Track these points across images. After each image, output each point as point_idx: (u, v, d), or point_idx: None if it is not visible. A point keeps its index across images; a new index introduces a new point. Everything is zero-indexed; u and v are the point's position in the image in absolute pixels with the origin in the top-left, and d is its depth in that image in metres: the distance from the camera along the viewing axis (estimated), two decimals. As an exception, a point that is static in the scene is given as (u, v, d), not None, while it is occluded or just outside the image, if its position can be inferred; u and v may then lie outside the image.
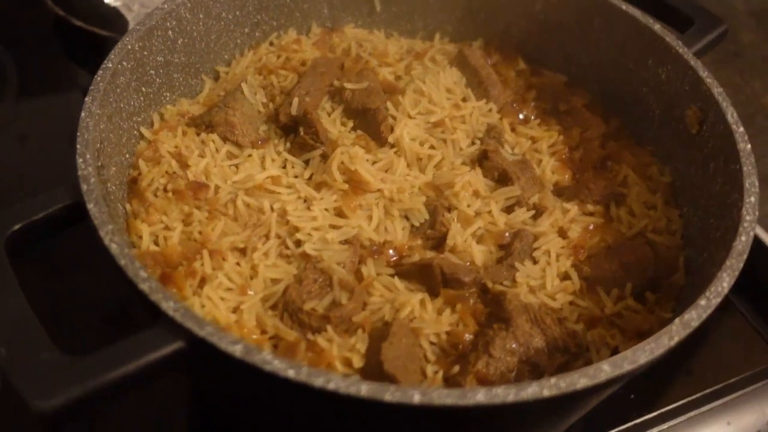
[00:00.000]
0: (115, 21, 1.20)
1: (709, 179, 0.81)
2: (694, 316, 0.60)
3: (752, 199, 0.71)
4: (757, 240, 1.01)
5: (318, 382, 0.53)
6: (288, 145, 0.88)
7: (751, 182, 0.72)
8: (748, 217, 0.69)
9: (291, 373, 0.53)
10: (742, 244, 0.66)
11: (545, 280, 0.77)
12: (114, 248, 0.61)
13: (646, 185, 0.89)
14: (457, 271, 0.76)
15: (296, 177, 0.85)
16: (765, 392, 0.95)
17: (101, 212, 0.63)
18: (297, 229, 0.78)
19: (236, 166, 0.85)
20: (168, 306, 0.57)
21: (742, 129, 0.78)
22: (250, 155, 0.86)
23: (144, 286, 0.58)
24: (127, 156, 0.83)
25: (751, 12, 1.27)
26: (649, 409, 0.90)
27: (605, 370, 0.56)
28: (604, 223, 0.85)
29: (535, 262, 0.80)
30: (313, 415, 0.62)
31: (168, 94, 0.92)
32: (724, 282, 0.63)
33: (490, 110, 0.97)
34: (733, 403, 0.93)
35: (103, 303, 0.87)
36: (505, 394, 0.53)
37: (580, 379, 0.55)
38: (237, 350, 0.54)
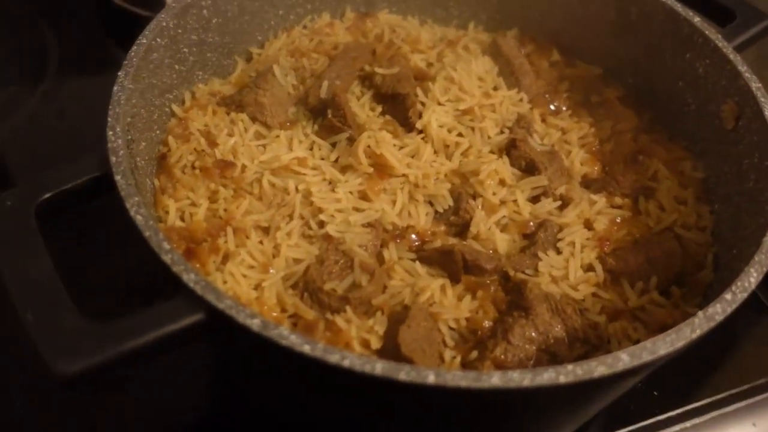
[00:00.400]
0: (155, 1, 1.21)
1: (742, 176, 0.79)
2: (718, 310, 0.59)
3: (786, 196, 0.69)
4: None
5: (333, 358, 0.53)
6: (316, 127, 0.89)
7: (786, 179, 0.70)
8: (780, 215, 0.67)
9: (306, 348, 0.54)
10: (772, 240, 0.65)
11: (568, 271, 0.76)
12: (139, 220, 0.62)
13: (678, 180, 0.88)
14: (479, 258, 0.76)
15: (322, 159, 0.85)
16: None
17: (128, 184, 0.65)
18: (320, 211, 0.79)
19: (264, 146, 0.86)
20: (189, 278, 0.58)
21: (779, 125, 0.76)
22: (277, 136, 0.87)
23: (167, 258, 0.59)
24: (158, 132, 0.84)
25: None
26: (672, 407, 0.89)
27: (623, 359, 0.55)
28: (631, 216, 0.84)
29: (558, 252, 0.79)
30: (326, 393, 0.63)
31: (200, 73, 0.93)
32: (751, 277, 0.62)
33: (521, 100, 0.96)
34: (759, 404, 0.91)
35: (128, 273, 0.89)
36: (520, 379, 0.53)
37: (597, 367, 0.54)
38: (254, 324, 0.55)
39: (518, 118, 0.93)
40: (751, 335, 0.99)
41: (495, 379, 0.53)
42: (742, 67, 0.82)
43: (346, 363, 0.53)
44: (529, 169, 0.86)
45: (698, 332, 0.58)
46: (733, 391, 0.92)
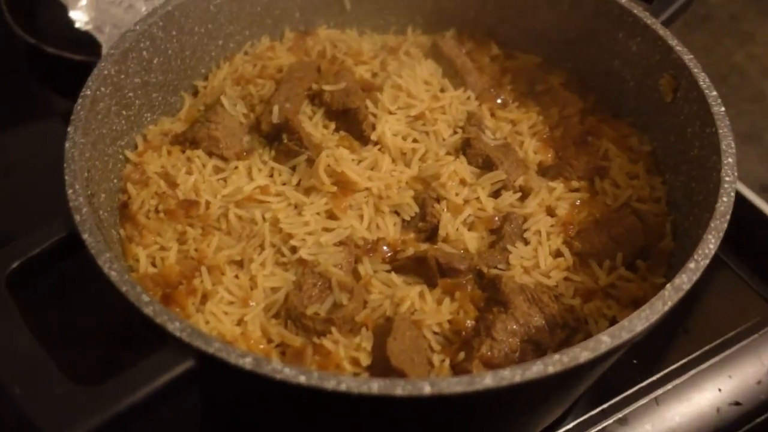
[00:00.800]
0: (89, 45, 1.19)
1: (687, 144, 0.83)
2: (684, 280, 0.62)
3: (730, 160, 0.72)
4: (740, 196, 1.04)
5: (330, 384, 0.54)
6: (273, 153, 0.89)
7: (727, 143, 0.74)
8: (727, 178, 0.71)
9: (302, 379, 0.55)
10: (724, 205, 0.68)
11: (538, 260, 0.79)
12: (114, 276, 0.62)
13: (627, 156, 0.91)
14: (451, 260, 0.77)
15: (284, 184, 0.86)
16: (761, 343, 0.97)
17: (97, 241, 0.64)
18: (291, 236, 0.79)
19: (224, 179, 0.86)
20: (174, 327, 0.58)
21: (714, 93, 0.79)
22: (236, 167, 0.87)
23: (148, 310, 0.59)
24: (115, 181, 0.84)
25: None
26: (652, 372, 0.92)
27: (605, 341, 0.58)
28: (589, 197, 0.87)
29: (526, 243, 0.81)
30: (327, 417, 0.64)
31: (148, 115, 0.92)
32: (710, 244, 0.65)
33: (469, 98, 0.98)
34: (732, 356, 0.95)
35: (106, 328, 0.88)
36: (511, 376, 0.55)
37: (582, 353, 0.57)
38: (247, 363, 0.56)
39: (468, 116, 0.95)
40: (714, 292, 1.03)
41: (488, 380, 0.55)
42: (673, 41, 0.86)
43: (342, 387, 0.54)
44: (486, 165, 0.88)
45: (669, 304, 0.61)
46: (706, 348, 0.96)
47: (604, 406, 0.89)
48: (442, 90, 0.98)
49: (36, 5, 1.35)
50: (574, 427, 0.87)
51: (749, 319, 0.99)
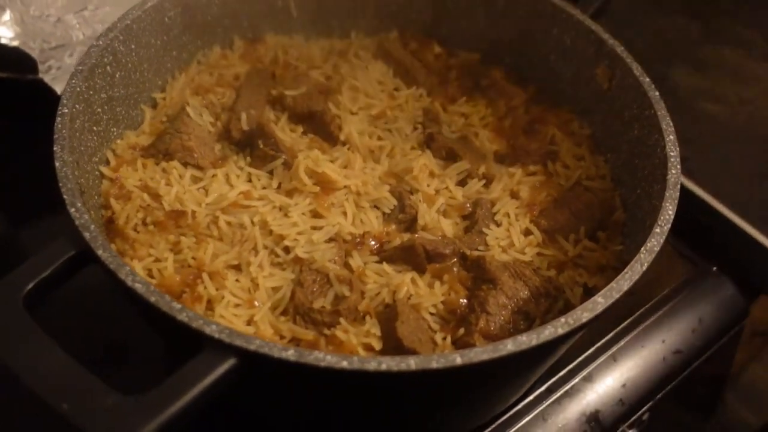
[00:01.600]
0: (24, 60, 1.14)
1: (626, 126, 0.93)
2: (655, 243, 0.72)
3: (671, 137, 0.83)
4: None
5: (371, 366, 0.59)
6: (248, 159, 0.92)
7: (666, 123, 0.84)
8: (672, 153, 0.81)
9: (345, 364, 0.59)
10: (674, 176, 0.79)
11: (512, 239, 0.87)
12: (139, 288, 0.63)
13: (572, 140, 1.01)
14: (437, 246, 0.83)
15: (264, 188, 0.88)
16: (691, 297, 1.10)
17: (113, 256, 0.65)
18: (282, 237, 0.82)
19: (204, 188, 0.87)
20: (212, 330, 0.60)
21: (648, 79, 0.90)
22: (214, 175, 0.89)
23: (183, 317, 0.61)
24: (96, 198, 0.83)
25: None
26: (607, 332, 1.03)
27: (600, 302, 0.66)
28: (545, 179, 0.95)
29: (498, 225, 0.89)
30: (360, 399, 0.68)
31: (114, 129, 0.92)
32: (669, 210, 0.75)
33: (422, 95, 1.05)
34: (669, 311, 1.08)
35: (122, 334, 0.88)
36: (529, 340, 0.62)
37: (583, 314, 0.65)
38: (291, 355, 0.59)
39: (425, 112, 1.02)
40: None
41: (510, 346, 0.62)
42: (605, 35, 0.96)
43: (383, 367, 0.59)
44: (449, 156, 0.95)
45: (646, 265, 0.70)
46: (647, 306, 1.08)
47: (571, 366, 0.98)
48: (396, 89, 1.04)
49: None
50: (545, 389, 0.96)
51: (679, 278, 1.12)
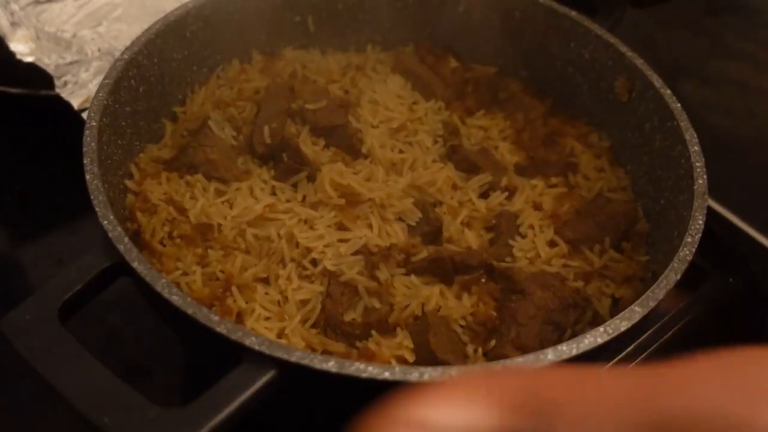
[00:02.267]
0: (40, 76, 1.12)
1: (647, 138, 0.94)
2: (687, 252, 0.72)
3: (696, 148, 0.84)
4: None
5: (413, 377, 0.59)
6: (272, 172, 0.92)
7: (690, 134, 0.85)
8: (698, 163, 0.82)
9: (387, 375, 0.59)
10: (701, 186, 0.79)
11: (538, 250, 0.87)
12: (176, 300, 0.62)
13: (591, 152, 1.01)
14: (464, 258, 0.83)
15: (289, 201, 0.88)
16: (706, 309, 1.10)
17: (148, 269, 0.65)
18: (309, 250, 0.82)
19: (229, 201, 0.87)
20: (252, 341, 0.60)
21: (669, 91, 0.91)
22: (238, 188, 0.89)
23: (222, 329, 0.60)
24: (122, 211, 0.83)
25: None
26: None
27: (638, 311, 0.66)
28: (567, 191, 0.96)
29: (523, 236, 0.89)
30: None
31: (137, 143, 0.92)
32: (698, 220, 0.75)
33: (440, 108, 1.05)
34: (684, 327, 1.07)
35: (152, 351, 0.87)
36: (569, 350, 0.62)
37: (621, 323, 0.65)
38: (331, 366, 0.59)
39: (444, 125, 1.02)
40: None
41: (550, 356, 0.61)
42: (624, 48, 0.97)
43: (426, 377, 0.59)
44: (471, 169, 0.95)
45: (679, 275, 0.70)
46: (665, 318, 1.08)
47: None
48: (415, 102, 1.05)
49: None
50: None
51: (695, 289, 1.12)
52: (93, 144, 0.76)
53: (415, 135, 0.99)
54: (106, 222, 0.68)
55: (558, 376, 0.36)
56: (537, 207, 0.93)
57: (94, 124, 0.78)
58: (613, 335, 0.64)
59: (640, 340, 1.03)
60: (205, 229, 0.82)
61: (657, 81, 0.92)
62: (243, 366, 0.60)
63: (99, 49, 1.18)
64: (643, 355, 1.01)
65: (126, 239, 0.66)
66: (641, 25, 1.13)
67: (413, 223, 0.88)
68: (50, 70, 1.14)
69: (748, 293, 1.15)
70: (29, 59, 1.15)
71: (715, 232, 1.18)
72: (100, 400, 0.56)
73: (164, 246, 0.81)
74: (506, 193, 0.94)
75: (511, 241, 0.87)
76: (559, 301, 0.80)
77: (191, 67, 1.01)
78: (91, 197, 0.70)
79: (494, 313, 0.79)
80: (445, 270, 0.83)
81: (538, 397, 0.34)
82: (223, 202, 0.87)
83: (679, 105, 0.89)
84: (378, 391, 0.59)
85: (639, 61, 0.95)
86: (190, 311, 0.62)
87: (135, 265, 0.64)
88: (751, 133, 1.27)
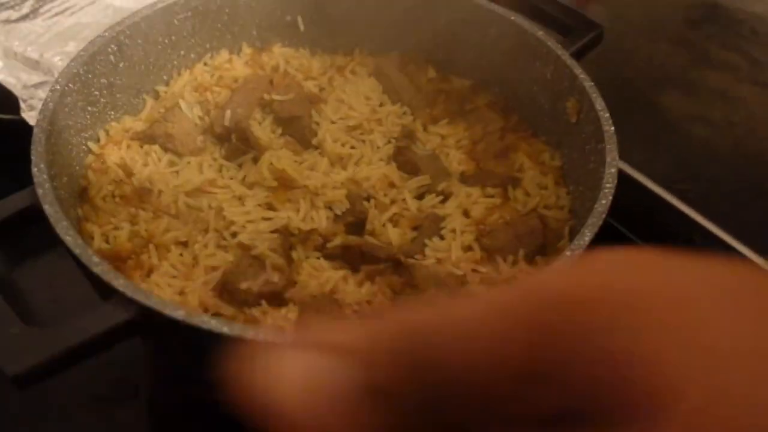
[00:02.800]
0: (5, 98, 1.10)
1: (585, 159, 0.95)
2: (561, 264, 0.73)
3: (612, 170, 0.84)
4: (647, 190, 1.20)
5: (248, 334, 0.64)
6: (223, 151, 0.99)
7: (612, 157, 0.86)
8: (608, 185, 0.83)
9: (225, 330, 0.64)
10: (602, 206, 0.80)
11: (450, 252, 0.90)
12: (69, 240, 0.71)
13: (539, 169, 1.03)
14: (373, 249, 0.88)
15: (231, 179, 0.96)
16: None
17: (56, 212, 0.73)
18: (232, 223, 0.89)
19: (177, 172, 0.96)
20: (119, 283, 0.67)
21: (607, 115, 0.92)
22: (189, 162, 0.97)
23: (97, 269, 0.68)
24: (77, 168, 0.93)
25: None
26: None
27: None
28: (502, 202, 0.98)
29: (442, 238, 0.92)
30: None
31: (112, 113, 1.02)
32: (585, 237, 0.76)
33: (405, 113, 1.10)
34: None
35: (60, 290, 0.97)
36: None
37: (465, 319, 0.67)
38: (179, 314, 0.65)
39: (402, 129, 1.07)
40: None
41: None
42: (577, 70, 0.99)
43: (260, 336, 0.64)
44: (413, 171, 1.00)
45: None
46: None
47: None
48: (381, 105, 1.10)
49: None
50: None
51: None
52: (51, 104, 0.86)
53: (369, 134, 1.04)
54: (35, 169, 0.77)
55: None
56: (466, 214, 0.96)
57: (58, 87, 0.88)
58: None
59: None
60: (144, 193, 0.91)
61: (599, 104, 0.93)
62: (108, 304, 0.67)
63: (66, 66, 1.07)
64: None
65: (47, 185, 0.76)
66: (624, 37, 1.13)
67: (339, 213, 0.94)
68: (16, 90, 1.12)
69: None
70: None
71: (695, 241, 1.18)
72: (-20, 314, 0.65)
73: (105, 203, 0.90)
74: (441, 197, 0.97)
75: (426, 240, 0.90)
76: (450, 301, 0.83)
77: (178, 52, 1.11)
78: (32, 146, 0.79)
79: (385, 303, 0.83)
80: (353, 258, 0.87)
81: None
82: (171, 173, 0.95)
83: (612, 128, 0.90)
84: (218, 344, 0.65)
85: (588, 84, 0.97)
86: (76, 251, 0.70)
87: (46, 207, 0.73)
88: (731, 142, 1.24)
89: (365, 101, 1.09)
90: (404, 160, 1.01)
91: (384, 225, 0.93)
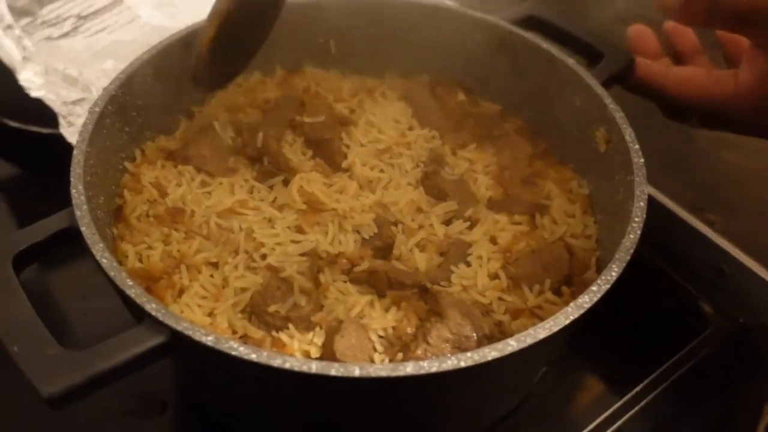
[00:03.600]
0: (45, 113, 1.14)
1: (614, 189, 0.94)
2: (587, 300, 0.73)
3: (641, 203, 0.84)
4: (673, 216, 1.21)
5: (276, 362, 0.65)
6: (254, 173, 1.01)
7: (641, 190, 0.86)
8: (636, 219, 0.82)
9: (253, 357, 0.65)
10: (630, 241, 0.80)
11: (476, 280, 0.90)
12: (104, 262, 0.73)
13: (567, 197, 1.03)
14: (399, 275, 0.88)
15: (261, 201, 0.97)
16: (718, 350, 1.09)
17: (93, 233, 0.75)
18: (262, 245, 0.90)
19: (209, 192, 0.98)
20: (151, 307, 0.69)
21: (637, 146, 0.92)
22: (221, 183, 0.99)
23: (131, 292, 0.70)
24: (113, 187, 0.95)
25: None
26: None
27: (512, 344, 0.69)
28: (529, 230, 0.98)
29: (468, 265, 0.92)
30: (275, 396, 0.74)
31: (148, 132, 1.04)
32: (613, 271, 0.76)
33: (434, 137, 1.11)
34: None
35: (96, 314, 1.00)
36: (429, 366, 0.66)
37: (490, 353, 0.68)
38: (209, 340, 0.66)
39: (431, 153, 1.08)
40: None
41: (409, 368, 0.66)
42: (608, 100, 0.99)
43: (287, 365, 0.65)
44: (440, 196, 1.00)
45: (571, 318, 0.72)
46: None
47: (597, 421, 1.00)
48: (410, 128, 1.11)
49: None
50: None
51: (705, 329, 1.12)
52: (90, 126, 0.88)
53: (398, 158, 1.05)
54: (74, 191, 0.79)
55: None
56: (493, 241, 0.96)
57: (97, 109, 0.90)
58: (479, 362, 0.67)
59: (650, 378, 1.05)
60: (177, 213, 0.93)
61: (629, 135, 0.93)
62: (141, 326, 0.69)
63: (104, 88, 1.14)
64: (653, 393, 1.04)
65: (84, 207, 0.78)
66: None
67: (367, 237, 0.95)
68: (56, 107, 1.16)
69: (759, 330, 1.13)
70: (37, 94, 1.17)
71: (724, 271, 1.17)
72: (17, 333, 0.67)
73: (139, 222, 0.92)
74: (468, 223, 0.98)
75: (452, 267, 0.91)
76: (475, 331, 0.83)
77: (213, 73, 1.13)
78: (71, 167, 0.82)
79: (410, 330, 0.84)
80: (380, 283, 0.88)
81: None
82: (203, 193, 0.97)
83: (641, 160, 0.90)
84: (247, 369, 0.67)
85: (618, 114, 0.96)
86: (111, 273, 0.72)
87: (83, 229, 0.75)
88: (761, 167, 1.23)
89: (394, 124, 1.10)
90: (432, 185, 1.01)
91: (411, 250, 0.93)
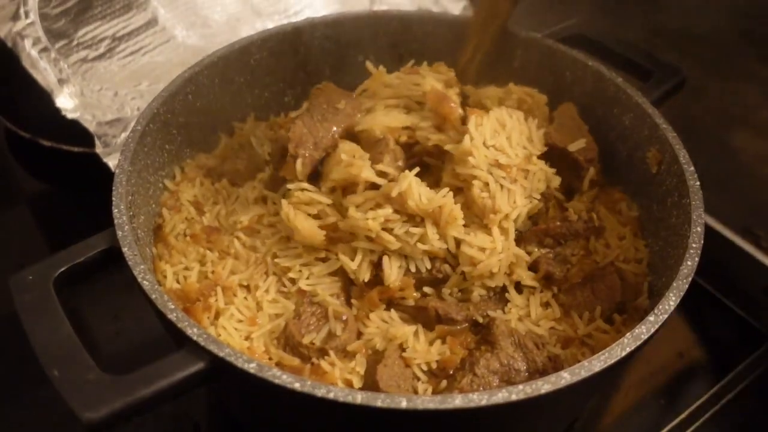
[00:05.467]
0: (81, 133, 1.16)
1: (667, 213, 0.91)
2: (644, 330, 0.70)
3: (698, 229, 0.80)
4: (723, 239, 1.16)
5: (320, 392, 0.63)
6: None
7: (698, 214, 0.82)
8: (694, 245, 0.79)
9: (297, 386, 0.63)
10: (687, 268, 0.76)
11: (530, 309, 0.86)
12: (146, 285, 0.71)
13: (617, 219, 0.99)
14: (449, 311, 0.84)
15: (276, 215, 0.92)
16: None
17: (134, 254, 0.74)
18: (288, 269, 0.87)
19: (234, 209, 0.96)
20: (193, 332, 0.67)
21: (692, 168, 0.88)
22: (237, 197, 0.97)
23: (172, 316, 0.68)
24: (154, 206, 0.95)
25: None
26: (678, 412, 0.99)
27: (565, 377, 0.65)
28: (582, 255, 0.94)
29: (520, 292, 0.89)
30: (317, 424, 0.72)
31: (188, 150, 1.04)
32: (670, 300, 0.73)
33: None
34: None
35: (134, 334, 0.99)
36: (479, 399, 0.63)
37: (543, 386, 0.64)
38: (252, 368, 0.64)
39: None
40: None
41: (458, 401, 0.63)
42: (659, 119, 0.95)
43: (331, 395, 0.63)
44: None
45: (627, 350, 0.68)
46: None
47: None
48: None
49: (17, 92, 1.27)
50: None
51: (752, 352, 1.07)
52: (132, 145, 0.88)
53: (512, 182, 0.91)
54: (116, 210, 0.79)
55: None
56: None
57: (139, 128, 0.90)
58: (531, 395, 0.64)
59: (707, 395, 1.02)
60: (212, 231, 0.92)
61: (683, 157, 0.90)
62: (182, 352, 0.67)
63: (138, 108, 1.19)
64: (710, 411, 1.01)
65: (126, 227, 0.77)
66: (693, 75, 1.09)
67: (413, 270, 0.86)
68: (91, 127, 1.16)
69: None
70: (73, 116, 1.17)
71: None
72: (57, 356, 0.66)
73: (177, 241, 0.91)
74: None
75: (507, 295, 0.87)
76: (526, 364, 0.79)
77: (253, 91, 1.12)
78: (113, 187, 0.81)
79: (458, 361, 0.80)
80: (427, 318, 0.85)
81: None
82: (231, 209, 0.96)
83: (697, 183, 0.86)
84: (288, 398, 0.64)
85: (671, 135, 0.93)
86: (153, 296, 0.70)
87: (125, 250, 0.74)
88: None
89: (525, 143, 1.04)
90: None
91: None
